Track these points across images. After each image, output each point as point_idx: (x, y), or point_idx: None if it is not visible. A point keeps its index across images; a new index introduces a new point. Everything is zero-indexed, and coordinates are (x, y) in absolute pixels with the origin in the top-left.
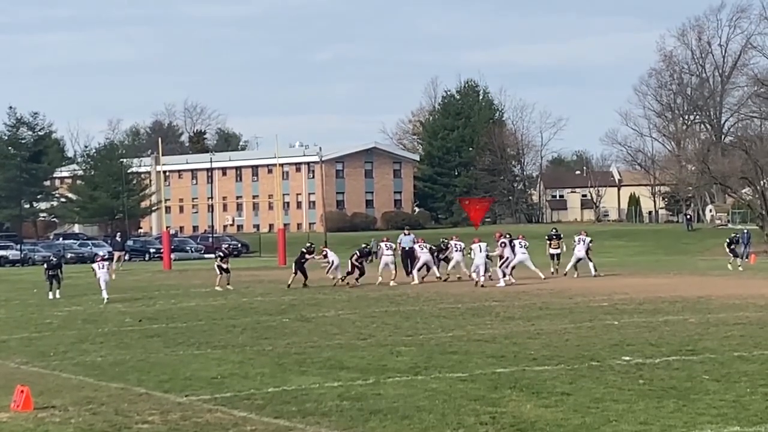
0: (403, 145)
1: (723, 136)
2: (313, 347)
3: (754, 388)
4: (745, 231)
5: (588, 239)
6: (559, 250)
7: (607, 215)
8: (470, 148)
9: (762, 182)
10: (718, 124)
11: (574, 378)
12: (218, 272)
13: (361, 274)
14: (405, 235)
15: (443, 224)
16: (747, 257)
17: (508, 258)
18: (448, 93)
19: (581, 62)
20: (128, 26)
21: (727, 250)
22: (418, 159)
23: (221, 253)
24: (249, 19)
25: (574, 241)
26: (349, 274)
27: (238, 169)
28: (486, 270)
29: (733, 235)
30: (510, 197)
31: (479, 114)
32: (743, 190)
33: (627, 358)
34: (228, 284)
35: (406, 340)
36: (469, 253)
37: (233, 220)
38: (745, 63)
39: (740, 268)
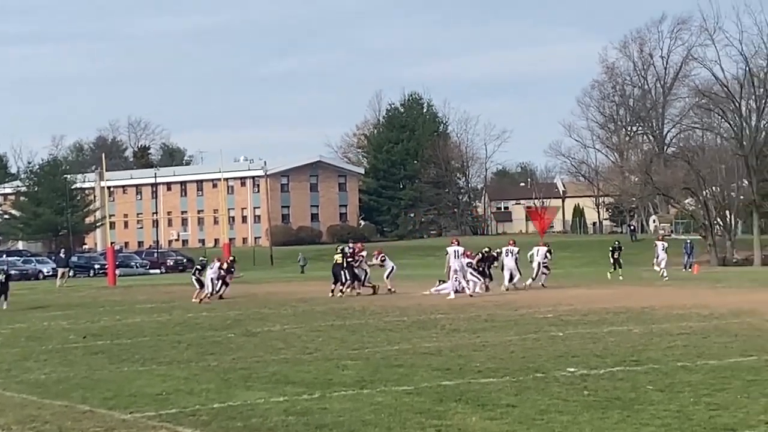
0: (348, 159)
1: (665, 147)
2: (258, 362)
3: (697, 398)
4: (689, 241)
5: (516, 249)
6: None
7: (553, 226)
8: (415, 161)
9: (704, 192)
10: (660, 135)
11: (519, 390)
12: (196, 285)
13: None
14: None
15: (389, 237)
16: (690, 267)
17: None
18: (393, 106)
19: (525, 74)
20: (72, 42)
21: (611, 259)
22: (363, 172)
23: (198, 266)
24: (193, 34)
25: (502, 253)
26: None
27: (182, 184)
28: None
29: (616, 243)
30: (455, 210)
31: (423, 127)
32: (686, 201)
33: (572, 369)
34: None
35: (352, 353)
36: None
37: (178, 235)
38: (687, 74)
39: (666, 278)
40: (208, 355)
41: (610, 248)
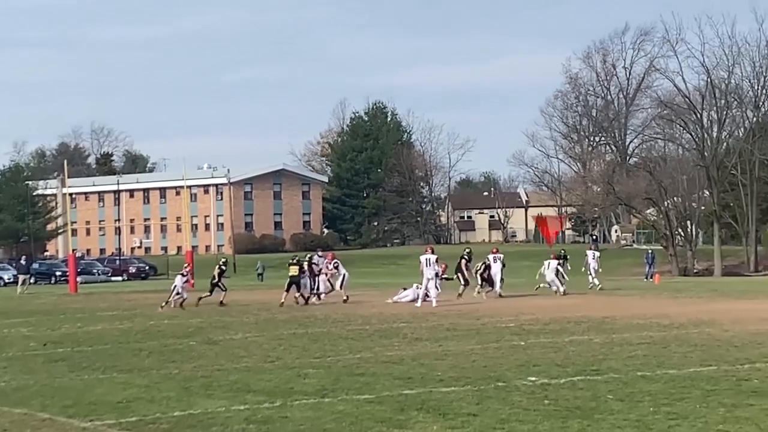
0: (311, 167)
1: (628, 158)
2: (219, 370)
3: (656, 407)
4: (650, 251)
5: (501, 256)
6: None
7: (515, 236)
8: (379, 170)
9: (666, 203)
10: (622, 145)
11: (480, 399)
12: (174, 293)
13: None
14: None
15: (352, 246)
16: (651, 277)
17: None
18: (357, 115)
19: (489, 84)
20: (35, 48)
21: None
22: (326, 181)
23: (182, 274)
24: (157, 41)
25: (489, 262)
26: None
27: (145, 191)
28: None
29: (562, 251)
30: (418, 218)
31: (387, 136)
32: (648, 211)
33: (533, 378)
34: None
35: (313, 362)
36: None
37: (141, 243)
38: (649, 85)
39: (598, 286)
40: (169, 363)
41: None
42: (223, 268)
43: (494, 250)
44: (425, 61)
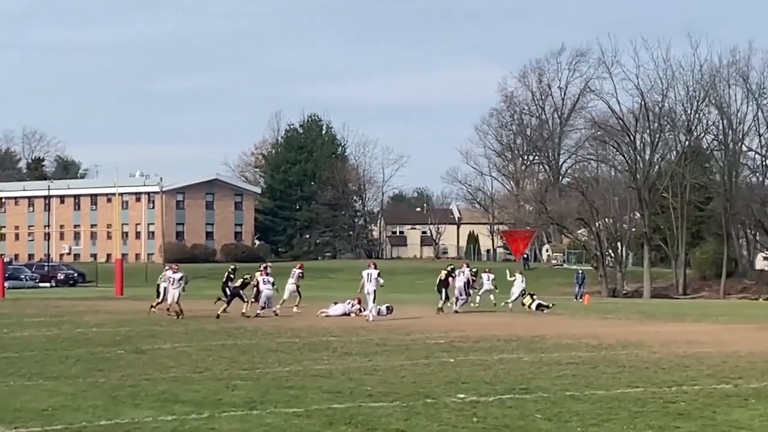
0: (245, 178)
1: (560, 177)
2: (147, 380)
3: (584, 427)
4: (580, 271)
5: (467, 270)
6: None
7: (447, 252)
8: (312, 183)
9: (597, 224)
10: (556, 165)
11: (409, 415)
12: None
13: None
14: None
15: (283, 258)
16: (581, 297)
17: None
18: (292, 127)
19: (425, 100)
20: None
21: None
22: (259, 192)
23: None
24: (91, 47)
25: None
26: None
27: (76, 197)
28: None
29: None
30: (350, 232)
31: (322, 148)
32: (579, 231)
33: (462, 395)
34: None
35: (242, 374)
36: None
37: (70, 249)
38: (584, 106)
39: (474, 304)
40: (96, 371)
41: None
42: (232, 276)
43: (465, 264)
44: (362, 74)
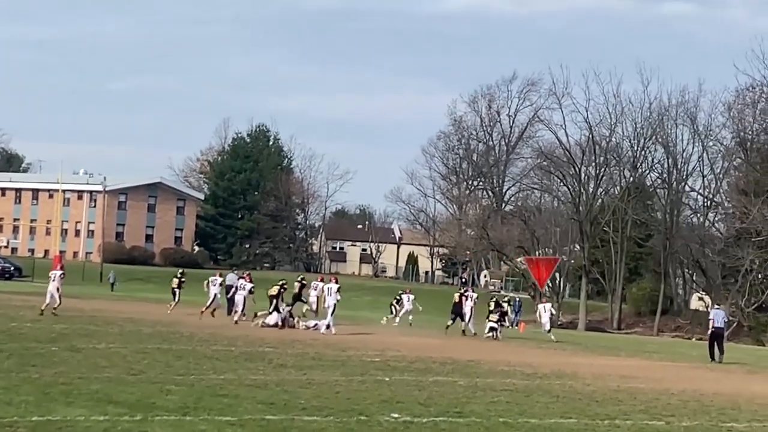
0: (189, 183)
1: (504, 205)
2: (81, 378)
3: None
4: (517, 299)
5: (475, 295)
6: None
7: (385, 271)
8: (256, 192)
9: (537, 253)
10: (500, 192)
11: (342, 431)
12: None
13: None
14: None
15: (222, 265)
16: (517, 325)
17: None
18: (239, 135)
19: (373, 118)
20: None
21: (391, 306)
22: (202, 198)
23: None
24: (43, 43)
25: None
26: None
27: (18, 191)
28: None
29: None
30: (291, 245)
31: (268, 159)
32: (519, 259)
33: (396, 415)
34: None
35: (176, 379)
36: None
37: (8, 242)
38: (531, 135)
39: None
40: (29, 366)
41: (395, 297)
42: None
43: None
44: (313, 89)
